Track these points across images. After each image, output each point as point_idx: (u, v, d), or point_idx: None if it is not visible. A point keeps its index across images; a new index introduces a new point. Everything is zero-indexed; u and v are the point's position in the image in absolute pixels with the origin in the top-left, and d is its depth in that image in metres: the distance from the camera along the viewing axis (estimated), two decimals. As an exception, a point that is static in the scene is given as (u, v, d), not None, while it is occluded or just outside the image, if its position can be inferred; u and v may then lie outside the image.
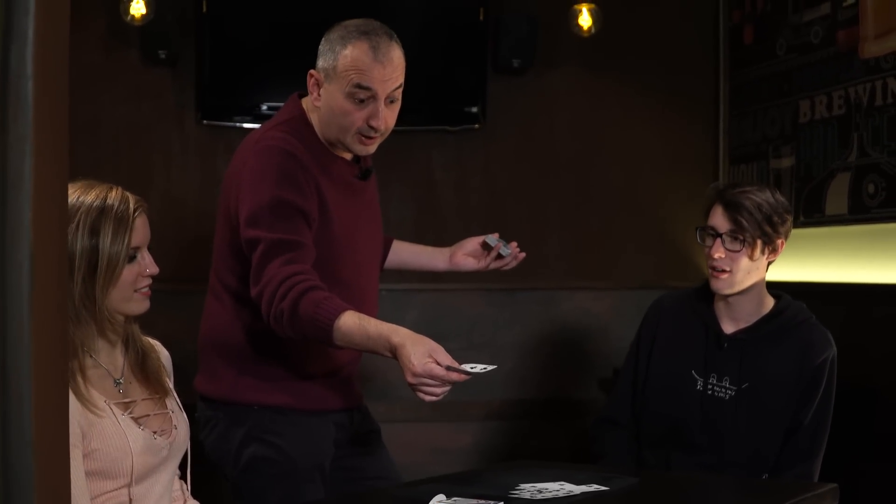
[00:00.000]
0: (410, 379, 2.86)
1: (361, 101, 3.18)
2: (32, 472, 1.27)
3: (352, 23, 3.22)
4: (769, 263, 3.61)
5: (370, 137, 3.23)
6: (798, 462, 3.54)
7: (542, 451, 5.39)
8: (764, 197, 3.54)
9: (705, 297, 3.71)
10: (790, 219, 3.59)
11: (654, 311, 3.82)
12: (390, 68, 3.17)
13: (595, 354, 5.62)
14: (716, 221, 3.58)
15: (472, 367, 2.86)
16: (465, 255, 3.69)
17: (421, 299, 5.62)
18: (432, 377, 2.83)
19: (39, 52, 1.26)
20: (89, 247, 2.69)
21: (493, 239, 3.62)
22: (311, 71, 3.25)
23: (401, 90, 3.24)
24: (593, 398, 5.59)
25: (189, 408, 3.01)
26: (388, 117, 3.22)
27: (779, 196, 3.58)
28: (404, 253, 3.80)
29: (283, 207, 3.11)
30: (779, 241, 3.57)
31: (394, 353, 2.91)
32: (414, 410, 5.37)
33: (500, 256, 3.63)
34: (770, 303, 3.66)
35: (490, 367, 2.90)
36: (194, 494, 3.06)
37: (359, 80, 3.15)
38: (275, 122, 3.33)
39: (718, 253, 3.55)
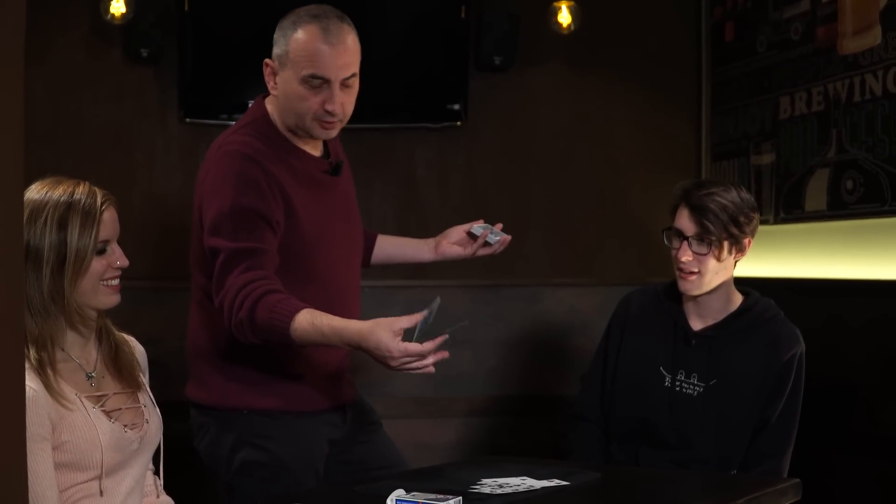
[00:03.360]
0: (392, 363, 2.88)
1: (316, 86, 3.18)
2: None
3: (303, 9, 3.22)
4: (737, 262, 3.62)
5: (329, 122, 3.23)
6: (766, 459, 3.54)
7: (523, 447, 5.40)
8: (730, 197, 3.53)
9: (673, 294, 3.71)
10: (757, 217, 3.59)
11: (622, 308, 3.82)
12: (342, 50, 3.16)
13: (577, 350, 5.63)
14: (682, 224, 3.58)
15: (445, 332, 2.88)
16: (451, 244, 3.66)
17: (404, 296, 5.63)
18: (409, 355, 2.85)
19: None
20: (57, 241, 2.72)
21: (478, 228, 3.59)
22: (266, 60, 3.24)
23: (356, 78, 3.24)
24: (575, 394, 5.60)
25: (165, 404, 3.02)
26: (345, 102, 3.22)
27: (745, 194, 3.58)
28: (388, 247, 3.78)
29: (245, 215, 3.11)
30: (745, 241, 3.57)
31: (354, 346, 2.93)
32: (396, 407, 5.39)
33: (486, 244, 3.60)
34: (738, 299, 3.67)
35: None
36: (170, 491, 3.08)
37: (311, 64, 3.16)
38: (238, 125, 3.32)
39: (685, 256, 3.55)
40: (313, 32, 3.16)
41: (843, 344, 4.53)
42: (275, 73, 3.24)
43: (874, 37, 4.49)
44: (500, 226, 3.60)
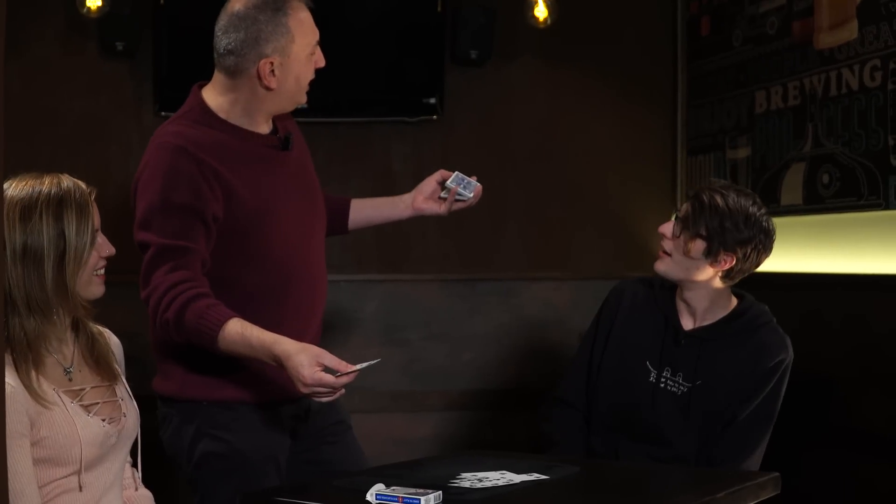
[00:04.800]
0: (303, 389, 2.92)
1: (312, 53, 3.24)
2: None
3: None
4: (722, 274, 3.61)
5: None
6: (729, 458, 3.52)
7: (501, 440, 5.40)
8: (729, 203, 3.55)
9: (668, 290, 3.72)
10: (755, 240, 3.57)
11: (614, 297, 3.82)
12: None
13: (554, 344, 5.63)
14: (683, 205, 3.66)
15: (358, 366, 2.91)
16: (426, 198, 3.63)
17: (380, 290, 5.62)
18: (323, 385, 2.88)
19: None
20: (55, 235, 2.72)
21: (450, 181, 3.59)
22: (266, 60, 3.19)
23: None
24: (552, 388, 5.60)
25: (141, 398, 3.02)
26: None
27: (755, 210, 3.56)
28: (366, 209, 3.75)
29: (175, 211, 3.10)
30: (723, 254, 3.57)
31: (279, 363, 2.94)
32: (373, 401, 5.38)
33: (460, 200, 3.59)
34: (732, 303, 3.68)
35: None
36: (149, 483, 3.07)
37: (313, 32, 3.23)
38: (174, 116, 3.32)
39: (663, 228, 3.64)
40: (302, 7, 3.22)
41: (819, 338, 4.54)
42: (274, 69, 3.21)
43: (850, 31, 4.50)
44: (474, 178, 3.61)
